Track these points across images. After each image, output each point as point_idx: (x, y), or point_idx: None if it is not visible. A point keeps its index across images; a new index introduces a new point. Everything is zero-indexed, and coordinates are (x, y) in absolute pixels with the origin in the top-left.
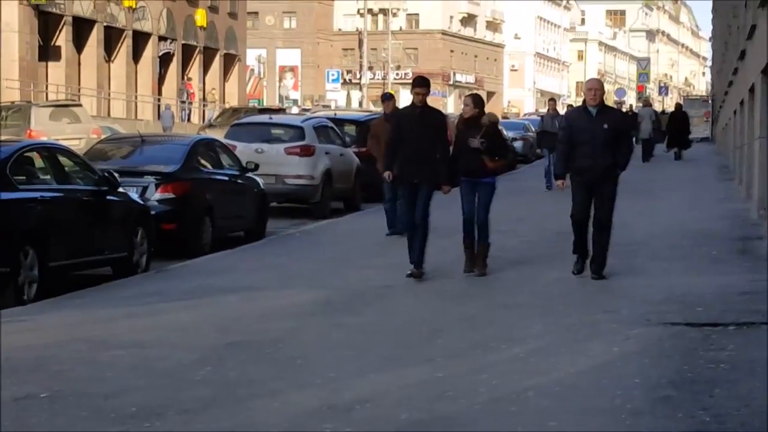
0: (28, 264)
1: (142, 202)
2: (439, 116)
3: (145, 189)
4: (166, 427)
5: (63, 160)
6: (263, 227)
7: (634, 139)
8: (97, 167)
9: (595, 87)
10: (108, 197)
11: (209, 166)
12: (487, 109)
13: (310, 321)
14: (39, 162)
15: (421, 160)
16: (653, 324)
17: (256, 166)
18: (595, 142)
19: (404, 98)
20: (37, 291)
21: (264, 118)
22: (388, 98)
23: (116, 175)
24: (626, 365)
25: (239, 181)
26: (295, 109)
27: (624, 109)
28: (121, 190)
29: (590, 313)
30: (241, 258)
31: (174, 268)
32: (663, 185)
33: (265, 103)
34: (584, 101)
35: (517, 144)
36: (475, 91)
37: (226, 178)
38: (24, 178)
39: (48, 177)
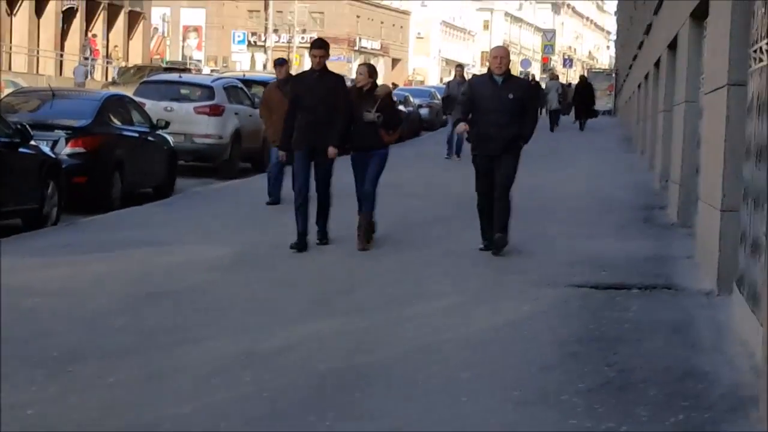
0: None
1: (53, 156)
2: (338, 80)
3: (55, 143)
4: (88, 371)
5: None
6: (172, 184)
7: (540, 110)
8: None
9: (501, 54)
10: (20, 149)
11: (120, 122)
12: (393, 76)
13: (226, 274)
14: None
15: (319, 125)
16: (561, 285)
17: (167, 124)
18: (499, 112)
19: (308, 64)
20: None
21: (173, 76)
22: (281, 63)
23: (28, 128)
24: (536, 323)
25: (149, 138)
26: (206, 69)
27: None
28: (33, 143)
29: (500, 274)
30: (151, 213)
31: (85, 221)
32: (569, 155)
33: (165, 62)
34: (489, 69)
35: (423, 111)
36: (379, 58)
37: (137, 135)
38: None
39: None
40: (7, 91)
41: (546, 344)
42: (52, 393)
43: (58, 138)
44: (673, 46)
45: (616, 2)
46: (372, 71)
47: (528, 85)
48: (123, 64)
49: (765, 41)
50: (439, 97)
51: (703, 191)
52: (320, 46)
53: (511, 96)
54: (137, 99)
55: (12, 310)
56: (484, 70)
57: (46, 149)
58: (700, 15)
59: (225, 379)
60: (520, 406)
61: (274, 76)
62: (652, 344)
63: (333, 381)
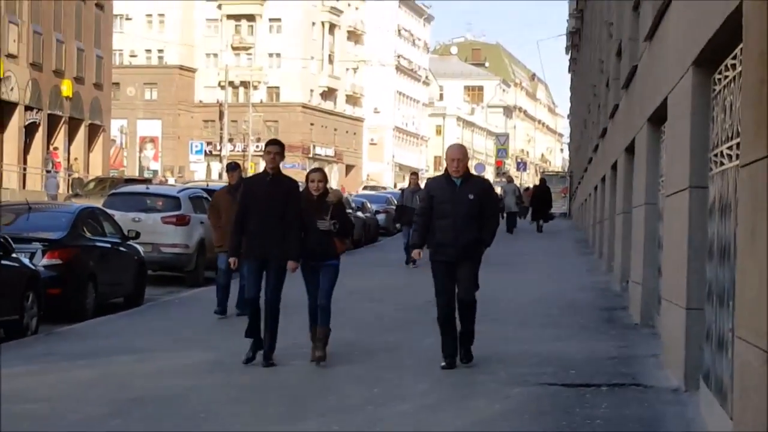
0: None
1: (33, 267)
2: (290, 183)
3: (32, 255)
4: None
5: None
6: (142, 294)
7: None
8: None
9: (458, 157)
10: (2, 262)
11: (93, 233)
12: (347, 182)
13: (206, 379)
14: None
15: (269, 233)
16: (531, 384)
17: (137, 234)
18: (458, 215)
19: (260, 167)
20: None
21: (141, 188)
22: (233, 168)
23: (10, 240)
24: (508, 421)
25: (121, 248)
26: (171, 180)
27: None
28: (14, 255)
29: (471, 374)
30: (125, 322)
31: (63, 331)
32: (528, 258)
33: (126, 174)
34: (446, 170)
35: (380, 216)
36: (333, 164)
37: (109, 246)
38: None
39: None
40: None
41: None
42: None
43: (35, 250)
44: (630, 149)
45: (569, 105)
46: (325, 177)
47: (488, 184)
48: (77, 176)
49: (725, 146)
50: (395, 202)
51: (667, 290)
52: (275, 143)
53: (471, 197)
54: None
55: (7, 417)
56: (438, 173)
57: (26, 261)
58: (657, 120)
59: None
60: None
61: (228, 180)
62: None
63: None
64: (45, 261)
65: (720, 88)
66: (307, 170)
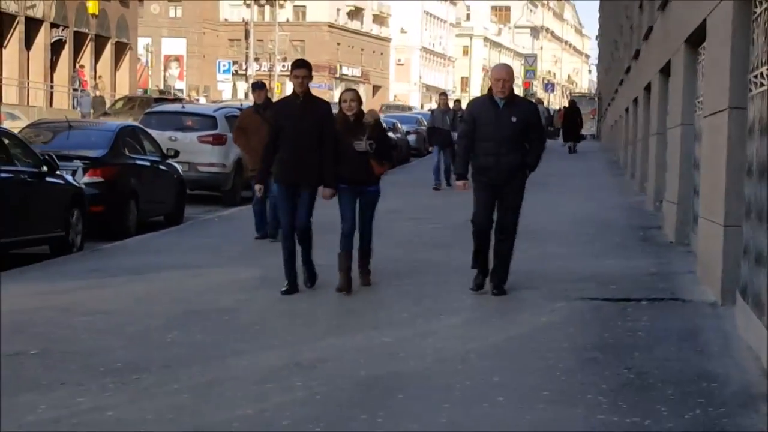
0: None
1: (77, 185)
2: (324, 107)
3: (74, 173)
4: (152, 380)
5: (6, 142)
6: (182, 213)
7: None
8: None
9: (504, 77)
10: (47, 179)
11: (133, 152)
12: (374, 103)
13: (256, 293)
14: None
15: (302, 158)
16: (573, 299)
17: (177, 153)
18: (502, 138)
19: (290, 90)
20: None
21: (177, 107)
22: (259, 87)
23: (55, 158)
24: (554, 332)
25: (161, 167)
26: (202, 99)
27: None
28: (58, 172)
29: (514, 290)
30: (169, 240)
31: (108, 247)
32: (561, 179)
33: (154, 93)
34: (490, 90)
35: (411, 138)
36: (360, 85)
37: (149, 164)
38: None
39: None
40: (6, 122)
41: (566, 351)
42: (124, 398)
43: (76, 168)
44: (665, 71)
45: (597, 26)
46: (359, 98)
47: (534, 107)
48: (99, 94)
49: (765, 67)
50: (425, 123)
51: (705, 209)
52: (302, 66)
53: (514, 119)
54: None
55: (66, 328)
56: (464, 96)
57: (71, 178)
58: (695, 41)
59: (278, 385)
60: (551, 405)
61: (254, 99)
62: (665, 350)
63: (376, 386)
64: (86, 179)
65: (761, 10)
66: (333, 90)
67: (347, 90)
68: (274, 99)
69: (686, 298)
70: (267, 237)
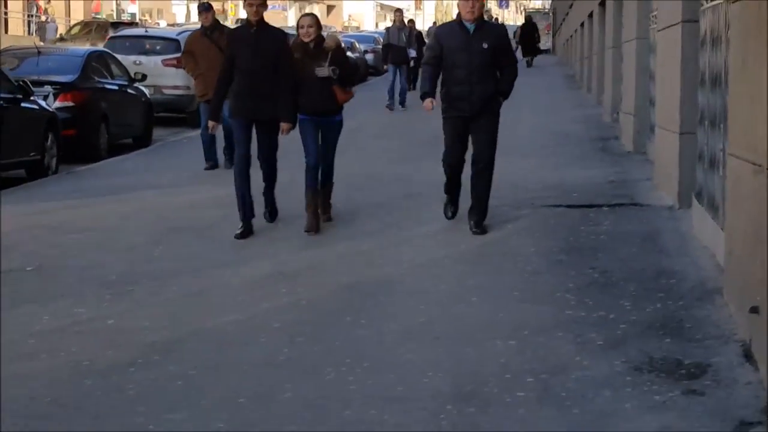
0: None
1: (51, 109)
2: (279, 36)
3: (45, 98)
4: (145, 291)
5: None
6: (150, 135)
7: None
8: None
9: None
10: (22, 104)
11: (102, 76)
12: (328, 23)
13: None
14: None
15: (258, 91)
16: (539, 207)
17: (144, 77)
18: (473, 66)
19: (243, 13)
20: None
21: (140, 31)
22: (206, 9)
23: (29, 84)
24: (522, 238)
25: (129, 90)
26: (163, 23)
27: None
28: (33, 98)
29: None
30: (142, 161)
31: (83, 170)
32: (521, 93)
33: (101, 18)
34: (458, 15)
35: (369, 56)
36: (314, 5)
37: (117, 88)
38: None
39: None
40: None
41: (534, 255)
42: (121, 308)
43: (47, 93)
44: None
45: None
46: (318, 22)
47: (504, 30)
48: (44, 19)
49: None
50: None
51: (661, 118)
52: None
53: (485, 45)
54: None
55: (57, 246)
56: (418, 15)
57: (44, 103)
58: None
59: (265, 292)
60: (522, 303)
61: (200, 22)
62: (626, 251)
63: (357, 291)
64: (57, 104)
65: None
66: (288, 11)
67: (305, 15)
68: (229, 23)
69: (645, 203)
70: (216, 167)
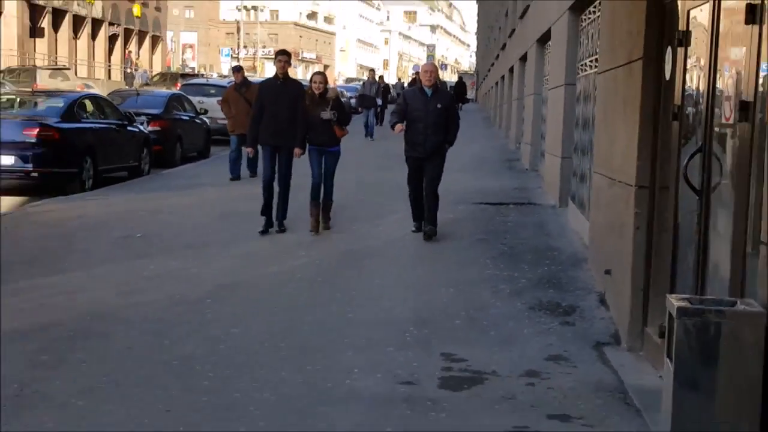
0: (88, 168)
1: (145, 132)
2: (298, 86)
3: (141, 124)
4: (213, 251)
5: (103, 104)
6: (208, 150)
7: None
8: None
9: (431, 70)
10: (129, 128)
11: (178, 110)
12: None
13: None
14: (90, 105)
15: (280, 126)
16: (469, 204)
17: (205, 111)
18: (428, 121)
19: (268, 68)
20: (92, 184)
21: (203, 80)
22: (237, 70)
23: (133, 114)
24: (458, 224)
25: (196, 120)
26: (215, 75)
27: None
28: (135, 124)
29: None
30: (204, 168)
31: (166, 173)
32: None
33: (178, 70)
34: (420, 82)
35: (353, 101)
36: (315, 65)
37: (188, 119)
38: (83, 114)
39: (96, 114)
40: (85, 90)
41: (466, 235)
42: (199, 262)
43: (143, 121)
44: (523, 58)
45: (476, 25)
46: (326, 79)
47: (451, 95)
48: (143, 70)
49: (588, 59)
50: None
51: (548, 147)
52: (285, 53)
53: (439, 106)
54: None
55: (154, 222)
56: (385, 72)
57: (141, 128)
58: (543, 40)
59: (290, 255)
60: (460, 266)
61: (233, 79)
62: (525, 233)
63: (352, 256)
64: (149, 128)
65: (585, 24)
66: (297, 68)
67: (317, 73)
68: (257, 76)
69: (537, 203)
70: (239, 179)
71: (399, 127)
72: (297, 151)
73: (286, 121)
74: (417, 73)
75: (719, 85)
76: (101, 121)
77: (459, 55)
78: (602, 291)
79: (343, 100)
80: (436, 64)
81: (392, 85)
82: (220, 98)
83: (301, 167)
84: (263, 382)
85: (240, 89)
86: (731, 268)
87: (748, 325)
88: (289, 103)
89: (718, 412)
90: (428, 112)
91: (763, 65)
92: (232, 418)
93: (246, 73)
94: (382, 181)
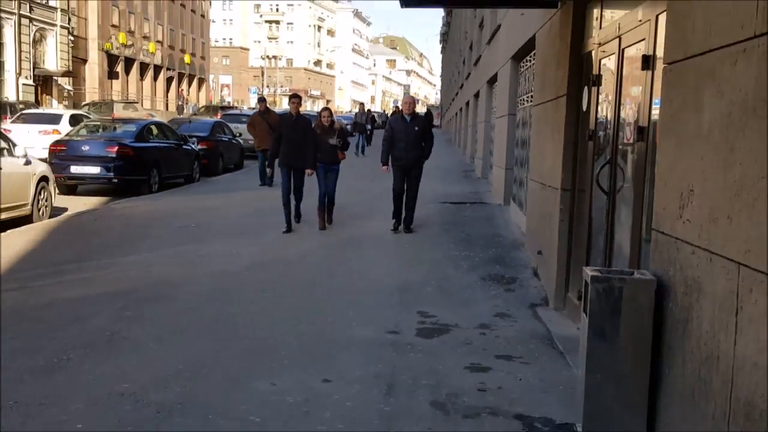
0: (154, 176)
1: (197, 149)
2: (308, 122)
3: (193, 143)
4: (248, 238)
5: (165, 128)
6: (242, 163)
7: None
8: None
9: (410, 101)
10: (184, 147)
11: (220, 133)
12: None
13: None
14: (155, 129)
15: (295, 151)
16: (437, 203)
17: (240, 134)
18: (409, 140)
19: (284, 102)
20: (158, 188)
21: (237, 111)
22: (261, 100)
23: (186, 136)
24: (429, 218)
25: (233, 141)
26: (245, 107)
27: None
28: (189, 144)
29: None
30: (240, 177)
31: (211, 180)
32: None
33: (220, 104)
34: (401, 111)
35: (349, 127)
36: (319, 100)
37: (227, 139)
38: (150, 136)
39: (160, 136)
40: (150, 118)
41: (434, 226)
42: (238, 246)
43: (194, 141)
44: (476, 95)
45: (440, 71)
46: (332, 112)
47: (426, 119)
48: (180, 104)
49: (525, 95)
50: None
51: (495, 161)
52: (297, 96)
53: (416, 128)
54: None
55: (204, 216)
56: (372, 105)
57: (193, 146)
58: (491, 82)
59: (307, 240)
60: (429, 249)
61: (258, 108)
62: (479, 225)
63: (352, 241)
64: (199, 147)
65: (523, 70)
66: (306, 103)
67: (325, 108)
68: (277, 107)
69: (487, 202)
70: (266, 185)
71: (385, 168)
72: (308, 171)
73: (298, 147)
74: (397, 106)
75: (622, 114)
76: (164, 141)
77: (427, 92)
78: (535, 266)
79: (341, 125)
80: (402, 103)
81: (377, 114)
82: (246, 124)
83: (309, 182)
84: (287, 331)
85: (263, 115)
86: (630, 248)
87: (642, 289)
88: (301, 134)
89: (620, 353)
90: (408, 134)
91: (654, 100)
92: (265, 356)
93: (267, 105)
94: (371, 188)
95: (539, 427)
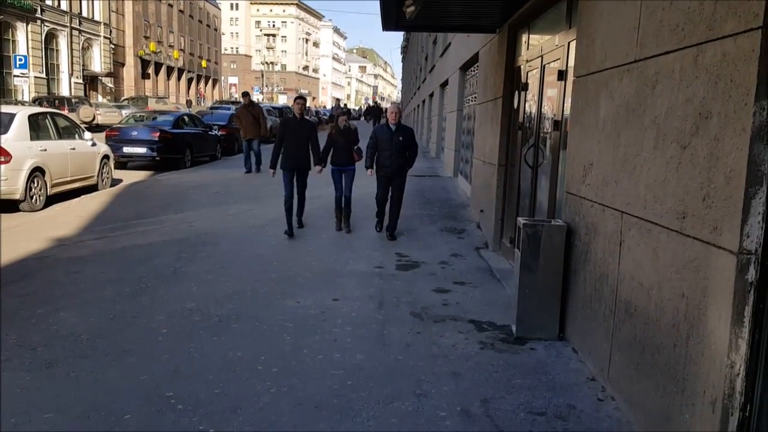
0: (187, 155)
1: (218, 135)
2: (311, 125)
3: (215, 130)
4: (265, 202)
5: (194, 118)
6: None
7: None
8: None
9: (395, 111)
10: (209, 133)
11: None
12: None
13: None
14: (187, 120)
15: (297, 154)
16: (411, 176)
17: None
18: (393, 149)
19: (281, 98)
20: (190, 164)
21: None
22: (245, 95)
23: (211, 125)
24: (408, 186)
25: None
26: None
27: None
28: (212, 131)
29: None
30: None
31: (229, 158)
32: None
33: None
34: (387, 120)
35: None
36: (308, 98)
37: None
38: (184, 124)
39: (191, 124)
40: (179, 110)
41: (406, 193)
42: (257, 207)
43: (216, 128)
44: (431, 95)
45: (401, 75)
46: (350, 116)
47: (411, 131)
48: (189, 99)
49: (470, 96)
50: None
51: (447, 145)
52: (302, 98)
53: (401, 138)
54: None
55: (230, 185)
56: (348, 102)
57: (215, 133)
58: (444, 84)
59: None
60: (403, 208)
61: (243, 101)
62: (436, 192)
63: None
64: (219, 133)
65: (469, 77)
66: (318, 106)
67: (343, 112)
68: (273, 102)
69: (442, 176)
70: (251, 171)
71: (370, 171)
72: (318, 168)
73: (302, 149)
74: (368, 104)
75: (543, 111)
76: (194, 128)
77: (390, 92)
78: (478, 221)
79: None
80: (378, 99)
81: (352, 109)
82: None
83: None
84: (304, 266)
85: (248, 107)
86: (548, 205)
87: (557, 232)
88: (304, 135)
89: (541, 275)
90: (392, 143)
91: (566, 102)
92: (288, 284)
93: (264, 103)
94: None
95: (486, 328)
